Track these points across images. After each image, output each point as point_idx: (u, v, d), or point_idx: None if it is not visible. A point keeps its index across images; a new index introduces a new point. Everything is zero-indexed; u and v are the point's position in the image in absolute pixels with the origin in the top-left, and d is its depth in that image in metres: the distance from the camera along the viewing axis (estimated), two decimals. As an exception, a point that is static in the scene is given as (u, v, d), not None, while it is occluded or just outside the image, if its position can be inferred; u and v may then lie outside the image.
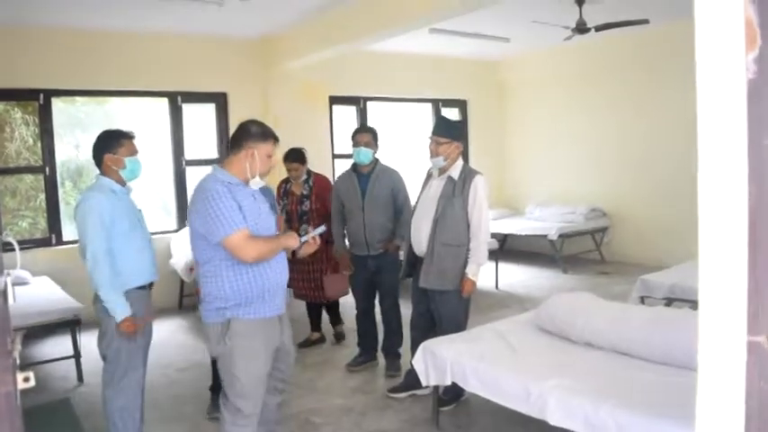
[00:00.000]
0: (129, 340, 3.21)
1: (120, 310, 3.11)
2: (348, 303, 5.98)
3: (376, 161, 4.69)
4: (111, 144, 3.26)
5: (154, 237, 3.47)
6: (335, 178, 8.33)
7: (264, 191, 4.36)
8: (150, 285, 3.39)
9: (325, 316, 5.57)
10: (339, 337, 5.50)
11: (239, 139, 2.84)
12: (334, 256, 4.99)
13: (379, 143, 4.69)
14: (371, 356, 4.87)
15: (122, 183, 3.31)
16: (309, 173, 5.17)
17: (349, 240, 4.81)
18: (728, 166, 0.78)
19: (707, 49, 0.81)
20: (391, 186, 4.62)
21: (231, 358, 2.78)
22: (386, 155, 5.06)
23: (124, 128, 3.39)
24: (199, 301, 3.03)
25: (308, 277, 5.17)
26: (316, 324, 5.48)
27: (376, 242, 4.61)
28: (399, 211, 4.63)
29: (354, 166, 4.75)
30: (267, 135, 2.87)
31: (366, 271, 4.72)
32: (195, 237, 2.81)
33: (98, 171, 3.32)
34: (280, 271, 2.88)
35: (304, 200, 5.09)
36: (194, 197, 2.81)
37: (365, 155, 4.59)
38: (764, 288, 0.76)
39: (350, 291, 5.12)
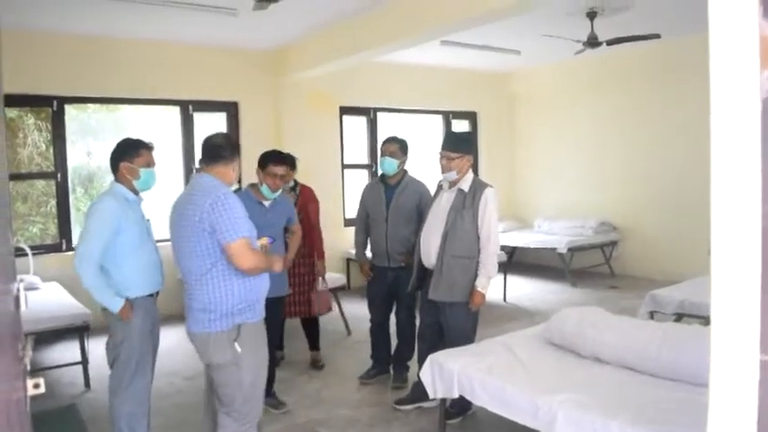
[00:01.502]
0: (139, 345, 3.26)
1: (114, 303, 3.15)
2: (360, 314, 5.98)
3: (404, 172, 4.66)
4: (129, 152, 3.28)
5: (162, 244, 3.48)
6: (339, 186, 8.37)
7: (284, 202, 4.37)
8: (156, 293, 3.43)
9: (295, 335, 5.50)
10: (317, 365, 5.16)
11: (229, 150, 2.95)
12: (316, 273, 5.03)
13: (408, 155, 4.64)
14: (384, 369, 4.83)
15: (135, 192, 3.33)
16: (296, 182, 5.02)
17: (371, 250, 4.78)
18: (742, 185, 0.78)
19: (721, 68, 0.81)
20: (417, 199, 4.54)
21: (242, 363, 2.82)
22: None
23: (145, 138, 3.41)
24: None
25: (297, 290, 4.95)
26: (281, 342, 5.22)
27: (397, 254, 4.57)
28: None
29: (382, 177, 4.73)
30: None
31: (385, 282, 4.67)
32: (202, 240, 2.74)
33: (113, 177, 3.34)
34: (267, 275, 2.99)
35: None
36: (197, 198, 2.76)
37: (389, 164, 4.56)
38: (778, 308, 0.76)
39: (333, 307, 5.33)
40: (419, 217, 4.46)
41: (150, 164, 3.34)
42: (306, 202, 4.98)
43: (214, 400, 3.06)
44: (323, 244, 5.09)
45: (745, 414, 0.80)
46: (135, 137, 3.40)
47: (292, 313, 5.03)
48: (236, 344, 2.79)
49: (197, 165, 7.30)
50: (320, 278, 5.08)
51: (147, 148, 3.34)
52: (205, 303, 2.78)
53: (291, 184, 4.97)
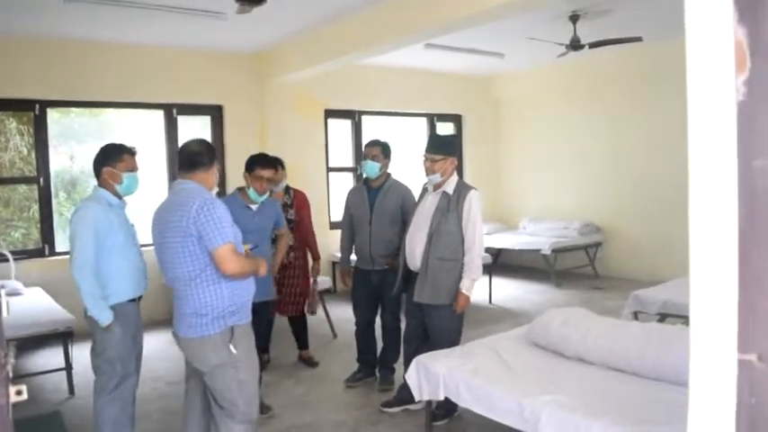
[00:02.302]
0: (122, 351, 3.25)
1: (104, 317, 3.16)
2: (345, 317, 5.97)
3: (388, 175, 4.67)
4: (111, 157, 3.29)
5: (147, 249, 3.46)
6: (324, 190, 8.35)
7: (271, 206, 4.37)
8: (139, 298, 3.43)
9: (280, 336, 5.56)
10: (310, 363, 5.28)
11: (210, 157, 2.97)
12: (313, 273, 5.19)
13: (390, 158, 4.65)
14: (370, 372, 4.83)
15: (119, 196, 3.33)
16: (288, 186, 5.17)
17: (356, 254, 4.78)
18: (719, 187, 0.80)
19: (698, 72, 0.82)
20: (400, 202, 4.55)
21: (239, 365, 2.85)
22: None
23: (127, 142, 3.41)
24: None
25: (290, 291, 5.08)
26: (266, 346, 5.06)
27: (380, 257, 4.56)
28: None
29: (366, 180, 4.75)
30: None
31: (369, 286, 4.66)
32: (189, 245, 2.74)
33: (96, 182, 3.34)
34: (252, 278, 3.02)
35: (288, 209, 5.03)
36: (183, 204, 2.75)
37: (371, 168, 4.58)
38: (754, 308, 0.77)
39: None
40: (403, 219, 4.48)
41: (133, 168, 3.34)
42: (301, 207, 5.14)
43: (208, 407, 3.06)
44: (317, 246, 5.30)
45: (724, 412, 0.81)
46: (118, 141, 3.40)
47: (286, 312, 5.15)
48: (230, 345, 2.82)
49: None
50: (313, 278, 5.23)
51: (130, 152, 3.35)
52: (197, 308, 2.78)
53: (283, 185, 5.08)
